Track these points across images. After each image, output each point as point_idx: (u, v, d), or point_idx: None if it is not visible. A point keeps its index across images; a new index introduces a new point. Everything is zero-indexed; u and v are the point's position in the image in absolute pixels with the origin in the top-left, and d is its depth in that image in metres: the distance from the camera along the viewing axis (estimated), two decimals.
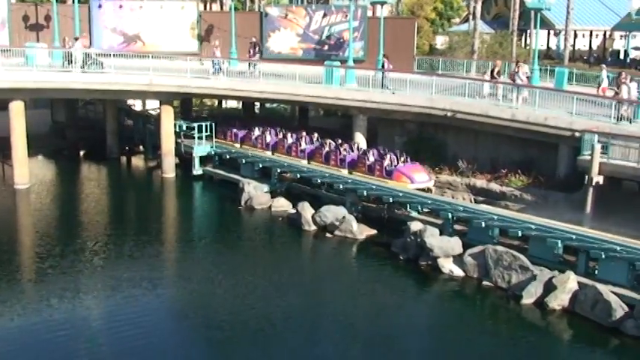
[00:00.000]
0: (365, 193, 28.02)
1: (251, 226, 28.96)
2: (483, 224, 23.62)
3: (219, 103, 51.93)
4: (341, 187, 28.88)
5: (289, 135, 34.14)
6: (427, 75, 34.46)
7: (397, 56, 38.31)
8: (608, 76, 31.26)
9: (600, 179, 23.35)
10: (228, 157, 34.98)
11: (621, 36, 67.97)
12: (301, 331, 19.15)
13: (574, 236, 21.42)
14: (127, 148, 41.61)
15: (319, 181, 30.13)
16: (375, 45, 38.77)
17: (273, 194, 31.18)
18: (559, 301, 20.09)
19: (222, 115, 43.48)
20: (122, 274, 22.55)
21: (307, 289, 22.05)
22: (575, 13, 54.56)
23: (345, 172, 30.31)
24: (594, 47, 68.50)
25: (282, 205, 30.11)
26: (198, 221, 30.65)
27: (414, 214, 26.91)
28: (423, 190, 27.88)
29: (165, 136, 35.48)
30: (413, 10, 58.37)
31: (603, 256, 20.42)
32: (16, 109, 32.70)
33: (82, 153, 41.40)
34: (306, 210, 27.62)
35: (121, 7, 43.60)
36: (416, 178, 28.27)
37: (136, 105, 46.72)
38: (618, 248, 20.25)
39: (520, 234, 22.76)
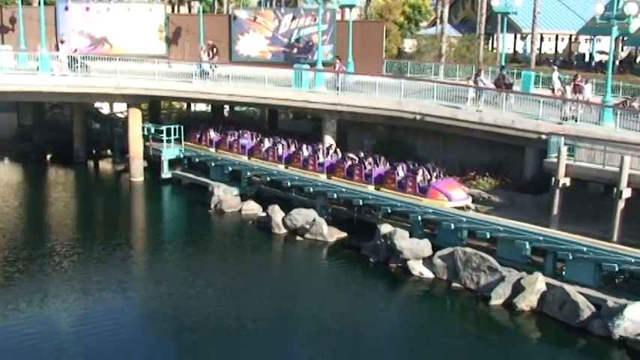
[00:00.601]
0: (335, 196, 28.05)
1: (221, 229, 28.82)
2: (452, 226, 23.81)
3: (188, 106, 51.67)
4: (311, 190, 28.81)
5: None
6: (396, 78, 34.60)
7: (366, 59, 38.45)
8: (559, 78, 32.31)
9: (567, 181, 23.68)
10: (197, 160, 34.81)
11: (586, 40, 69.08)
12: (272, 333, 19.11)
13: (542, 237, 21.67)
14: (94, 151, 41.22)
15: (289, 184, 30.03)
16: (344, 48, 38.89)
17: (243, 197, 31.03)
18: (527, 301, 20.30)
19: (191, 119, 43.25)
20: (91, 278, 22.35)
21: (278, 291, 21.99)
22: (541, 17, 55.26)
23: (371, 188, 27.82)
24: (560, 51, 69.50)
25: (253, 208, 30.01)
26: (167, 225, 30.39)
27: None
28: (461, 208, 25.52)
29: (133, 139, 35.22)
30: (381, 14, 58.53)
31: (571, 257, 20.71)
32: None
33: (48, 157, 40.80)
34: (277, 213, 27.56)
35: (87, 9, 43.16)
36: (454, 196, 25.88)
37: (104, 108, 46.35)
38: (585, 249, 20.54)
39: (488, 236, 22.99)
